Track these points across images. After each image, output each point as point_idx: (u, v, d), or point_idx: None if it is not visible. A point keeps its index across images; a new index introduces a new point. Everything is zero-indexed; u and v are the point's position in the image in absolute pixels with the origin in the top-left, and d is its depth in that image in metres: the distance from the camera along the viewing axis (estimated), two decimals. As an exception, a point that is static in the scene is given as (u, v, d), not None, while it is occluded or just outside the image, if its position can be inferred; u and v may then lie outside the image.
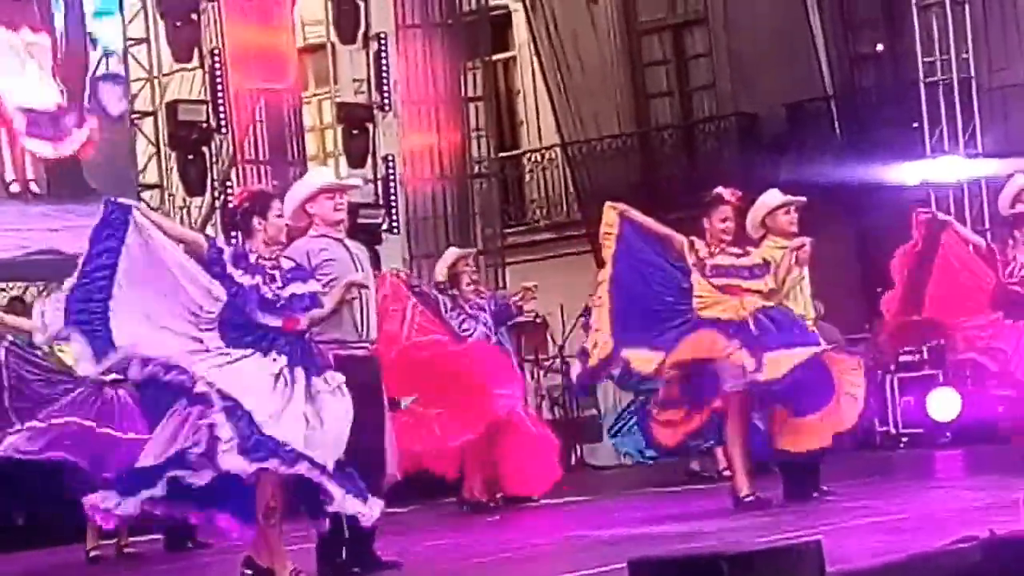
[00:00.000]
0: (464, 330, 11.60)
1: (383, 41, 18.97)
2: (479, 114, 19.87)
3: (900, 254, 10.56)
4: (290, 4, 17.89)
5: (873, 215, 17.72)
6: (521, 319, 14.39)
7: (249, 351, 7.09)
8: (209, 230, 16.09)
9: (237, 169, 17.10)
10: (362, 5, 19.09)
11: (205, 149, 17.26)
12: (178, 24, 17.17)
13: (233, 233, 7.80)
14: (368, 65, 19.33)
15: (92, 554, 10.30)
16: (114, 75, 17.00)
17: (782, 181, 11.29)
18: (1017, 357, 10.06)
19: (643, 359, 9.35)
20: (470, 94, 19.64)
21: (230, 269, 7.18)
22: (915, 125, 16.91)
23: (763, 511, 9.06)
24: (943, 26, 16.62)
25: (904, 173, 16.70)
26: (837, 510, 8.67)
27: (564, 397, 17.87)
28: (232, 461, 6.78)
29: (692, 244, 9.49)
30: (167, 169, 17.62)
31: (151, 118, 17.78)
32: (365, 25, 19.18)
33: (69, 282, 7.04)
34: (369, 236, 15.93)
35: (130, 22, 17.48)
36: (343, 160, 19.07)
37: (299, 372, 7.12)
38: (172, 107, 17.20)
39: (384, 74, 19.01)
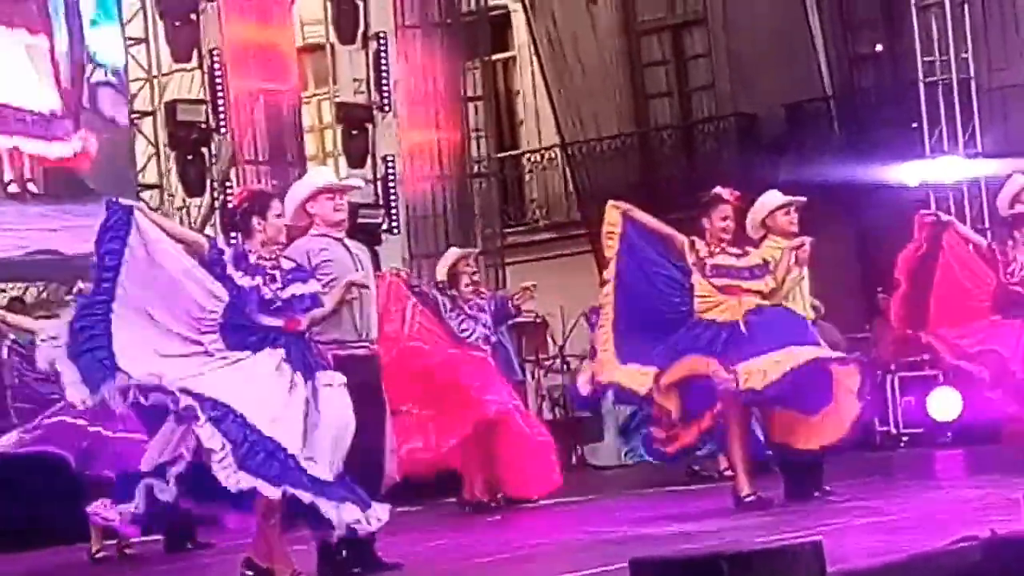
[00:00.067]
0: (463, 331, 11.60)
1: (382, 41, 18.97)
2: (479, 114, 19.87)
3: (903, 257, 10.57)
4: (289, 4, 17.90)
5: (873, 215, 17.74)
6: (521, 319, 14.40)
7: (249, 352, 7.09)
8: (208, 230, 16.09)
9: (236, 169, 17.10)
10: (361, 5, 19.09)
11: (204, 149, 17.26)
12: (177, 24, 17.18)
13: (232, 233, 7.79)
14: (367, 65, 19.33)
15: (97, 555, 10.31)
16: (113, 77, 17.01)
17: (781, 181, 11.29)
18: (1018, 357, 10.06)
19: (639, 379, 9.35)
20: (470, 94, 19.64)
21: (231, 270, 7.18)
22: (914, 125, 16.90)
23: (764, 511, 9.06)
24: (942, 26, 16.61)
25: (904, 173, 16.70)
26: (838, 510, 8.66)
27: (564, 397, 17.87)
28: (222, 475, 6.77)
29: (693, 244, 9.49)
30: (166, 169, 17.63)
31: (150, 118, 17.79)
32: (364, 25, 19.18)
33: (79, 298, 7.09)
34: (369, 236, 15.92)
35: (129, 22, 17.48)
36: (343, 160, 19.07)
37: (300, 372, 7.12)
38: (171, 107, 17.20)
39: (383, 74, 19.01)
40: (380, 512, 7.20)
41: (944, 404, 14.77)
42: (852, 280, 18.03)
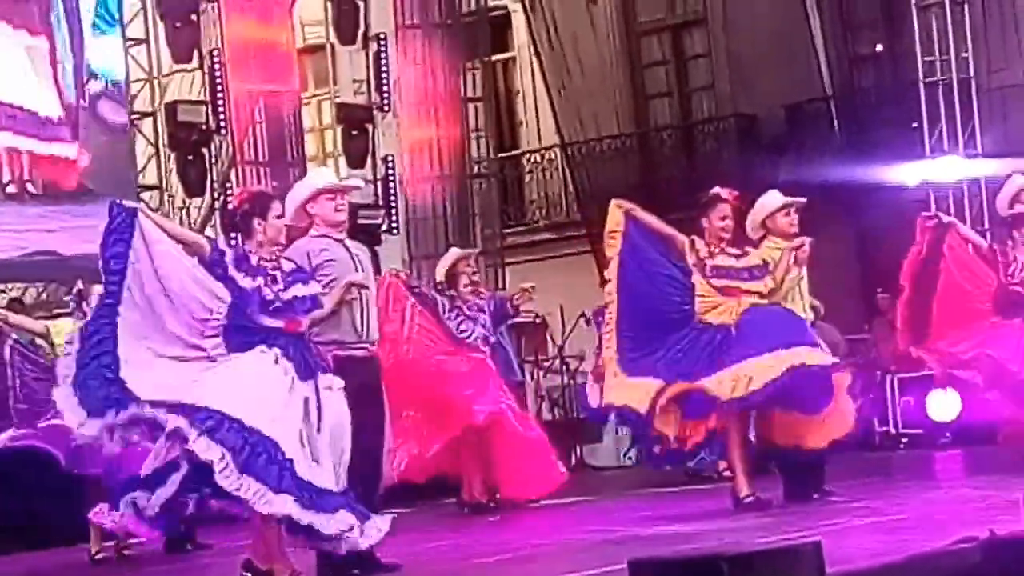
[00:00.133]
0: (462, 331, 11.60)
1: (383, 42, 18.97)
2: (478, 114, 19.87)
3: (908, 263, 10.58)
4: (290, 4, 17.90)
5: (872, 215, 17.74)
6: (521, 319, 14.41)
7: (249, 353, 7.09)
8: (208, 231, 16.10)
9: (236, 170, 17.10)
10: (361, 6, 19.11)
11: (204, 150, 17.26)
12: (178, 25, 17.19)
13: (232, 234, 7.80)
14: (368, 66, 19.34)
15: (97, 556, 10.32)
16: (114, 78, 17.02)
17: (781, 182, 11.29)
18: (1018, 357, 10.07)
19: (640, 396, 9.36)
20: (470, 94, 19.64)
21: (232, 271, 7.18)
22: (914, 125, 16.91)
23: (763, 512, 9.06)
24: (942, 26, 16.61)
25: (903, 173, 16.70)
26: (837, 510, 8.66)
27: (564, 397, 17.87)
28: (226, 483, 6.78)
29: (693, 244, 9.50)
30: (166, 170, 17.63)
31: (150, 119, 17.81)
32: (365, 26, 19.19)
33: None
34: (369, 237, 15.93)
35: (129, 23, 17.50)
36: (343, 161, 19.08)
37: (300, 372, 7.12)
38: (171, 108, 17.22)
39: (384, 75, 19.02)
40: (380, 523, 7.20)
41: (943, 405, 14.76)
42: (852, 280, 18.03)
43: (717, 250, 9.49)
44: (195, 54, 17.33)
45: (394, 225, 18.81)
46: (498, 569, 7.78)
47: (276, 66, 17.42)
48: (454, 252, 12.44)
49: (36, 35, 16.12)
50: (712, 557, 4.65)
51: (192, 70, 17.56)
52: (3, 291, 15.75)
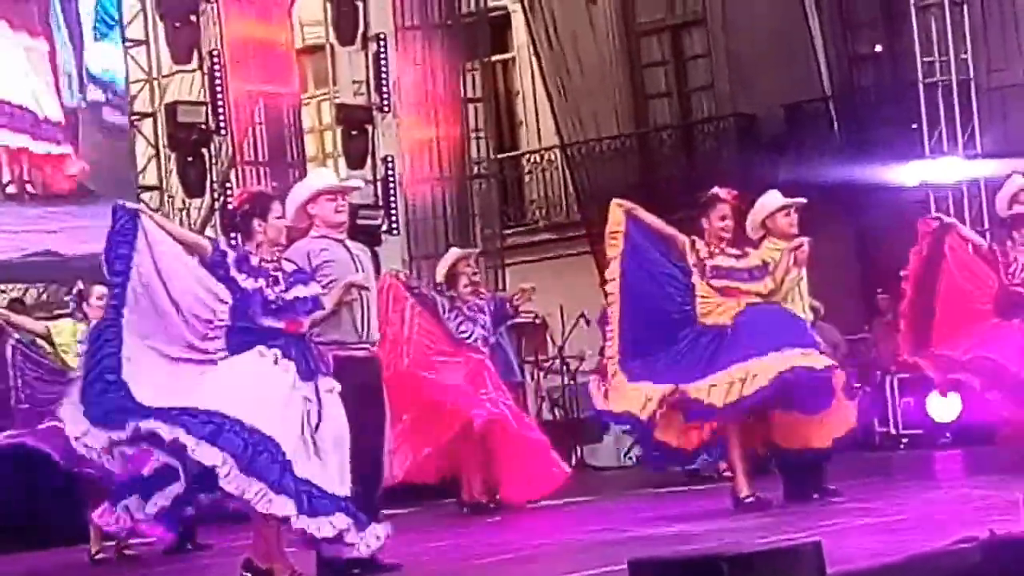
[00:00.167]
0: (461, 332, 11.60)
1: (382, 42, 18.97)
2: (478, 115, 19.87)
3: (910, 266, 10.59)
4: (289, 5, 17.90)
5: (872, 216, 17.76)
6: (521, 320, 14.40)
7: (249, 353, 7.10)
8: (208, 232, 16.10)
9: (236, 170, 17.10)
10: (361, 6, 19.10)
11: (204, 151, 17.26)
12: (177, 25, 17.18)
13: (232, 235, 7.80)
14: (367, 66, 19.33)
15: (96, 556, 10.32)
16: (113, 79, 17.02)
17: (781, 181, 11.30)
18: (1019, 358, 10.06)
19: (641, 402, 9.37)
20: (469, 95, 19.64)
21: (234, 272, 7.18)
22: (914, 126, 16.91)
23: (763, 512, 9.06)
24: (942, 27, 16.61)
25: (903, 174, 16.70)
26: (837, 511, 8.67)
27: (564, 398, 17.87)
28: (230, 487, 6.78)
29: (693, 244, 9.51)
30: (166, 171, 17.63)
31: (150, 120, 17.80)
32: (364, 26, 19.18)
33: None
34: (368, 237, 15.92)
35: (129, 24, 17.49)
36: (342, 161, 19.07)
37: (301, 372, 7.13)
38: (171, 108, 17.21)
39: (383, 75, 19.01)
40: (380, 531, 7.21)
41: (943, 405, 14.76)
42: (851, 280, 18.04)
43: (717, 250, 9.49)
44: (195, 55, 17.33)
45: (394, 226, 18.81)
46: (498, 569, 7.78)
47: (276, 67, 17.41)
48: (454, 252, 12.43)
49: (36, 37, 16.11)
50: (712, 557, 4.66)
51: (192, 71, 17.55)
52: (3, 291, 15.74)
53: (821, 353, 9.55)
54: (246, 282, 7.17)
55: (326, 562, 7.38)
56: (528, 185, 22.80)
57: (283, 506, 6.83)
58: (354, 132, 19.00)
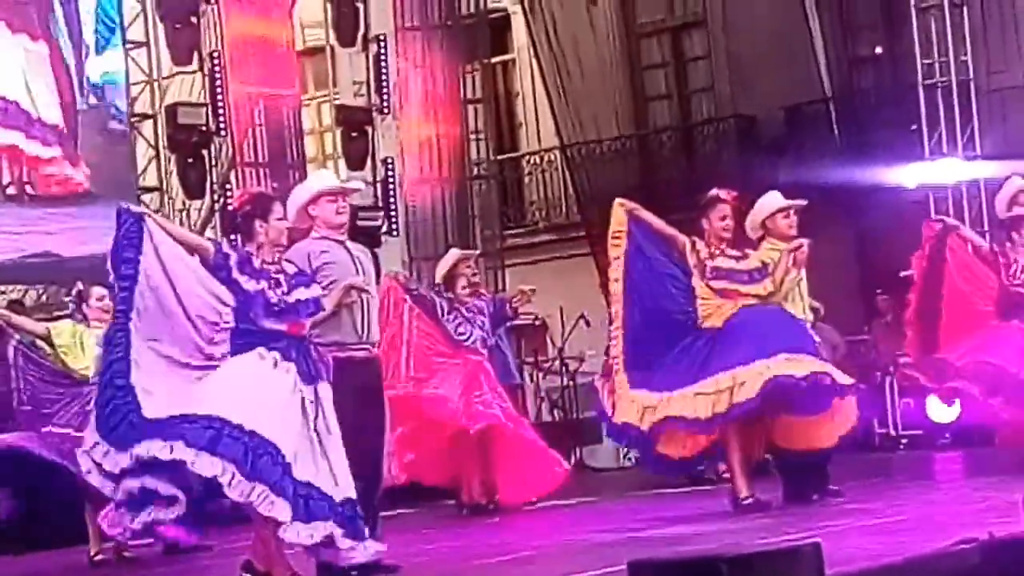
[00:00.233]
0: (460, 333, 11.60)
1: (382, 43, 18.96)
2: (478, 116, 19.87)
3: (914, 270, 10.61)
4: (289, 6, 17.90)
5: (872, 217, 17.75)
6: (520, 321, 14.40)
7: (248, 355, 7.10)
8: (208, 233, 16.10)
9: (236, 172, 17.10)
10: (361, 7, 19.09)
11: (205, 152, 17.26)
12: (177, 27, 17.18)
13: (233, 236, 7.80)
14: (367, 68, 19.33)
15: (96, 558, 10.32)
16: (113, 81, 17.02)
17: (781, 183, 11.29)
18: (1019, 359, 10.06)
19: (640, 412, 9.38)
20: (469, 96, 19.64)
21: (236, 274, 7.17)
22: (914, 127, 16.90)
23: (762, 513, 9.07)
24: (942, 28, 16.60)
25: (903, 175, 16.70)
26: (836, 512, 8.67)
27: (563, 399, 17.87)
28: (234, 494, 6.79)
29: (694, 245, 9.51)
30: (167, 172, 17.63)
31: (150, 121, 17.80)
32: (364, 27, 19.18)
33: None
34: (368, 239, 15.92)
35: (129, 25, 17.50)
36: (342, 163, 19.07)
37: (301, 375, 7.13)
38: (172, 110, 17.21)
39: (383, 76, 19.01)
40: (375, 545, 7.20)
41: (943, 406, 14.75)
42: (851, 282, 18.04)
43: (718, 251, 9.50)
44: (195, 56, 17.33)
45: (394, 227, 18.81)
46: (498, 570, 7.79)
47: (276, 68, 17.41)
48: (454, 253, 12.43)
49: (36, 40, 16.10)
50: (711, 558, 4.66)
51: (192, 72, 17.55)
52: (3, 293, 15.74)
53: (821, 354, 9.56)
54: (248, 284, 7.17)
55: (325, 565, 7.38)
56: (528, 186, 22.79)
57: (283, 509, 6.83)
58: (354, 133, 19.00)
